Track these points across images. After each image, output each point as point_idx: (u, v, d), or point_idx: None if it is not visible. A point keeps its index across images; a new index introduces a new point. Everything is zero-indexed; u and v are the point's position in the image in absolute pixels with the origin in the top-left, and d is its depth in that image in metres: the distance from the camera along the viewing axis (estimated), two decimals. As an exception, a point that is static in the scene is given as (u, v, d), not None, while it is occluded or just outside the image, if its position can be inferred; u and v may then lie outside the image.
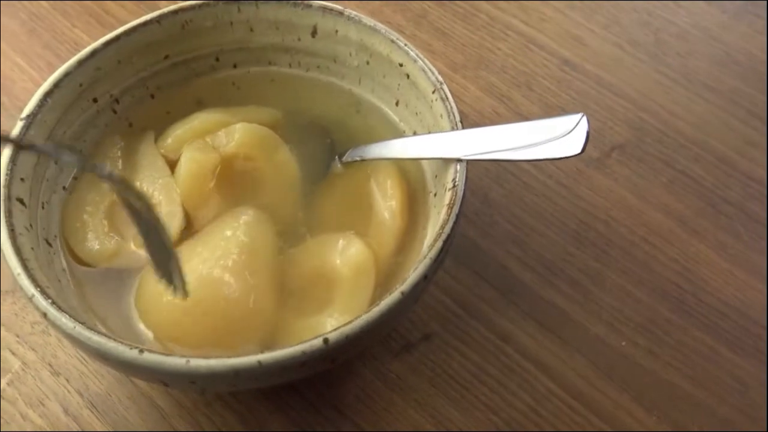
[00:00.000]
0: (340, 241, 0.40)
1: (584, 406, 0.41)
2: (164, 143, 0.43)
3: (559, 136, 0.32)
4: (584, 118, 0.32)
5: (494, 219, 0.48)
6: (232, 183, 0.43)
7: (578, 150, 0.31)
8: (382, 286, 0.39)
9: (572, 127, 0.32)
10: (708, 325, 0.44)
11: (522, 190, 0.50)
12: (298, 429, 0.40)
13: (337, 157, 0.44)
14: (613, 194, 0.50)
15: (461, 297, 0.45)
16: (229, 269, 0.38)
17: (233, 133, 0.43)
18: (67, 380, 0.42)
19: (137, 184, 0.42)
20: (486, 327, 0.44)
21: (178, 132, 0.43)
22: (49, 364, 0.42)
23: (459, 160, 0.36)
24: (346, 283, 0.38)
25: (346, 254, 0.39)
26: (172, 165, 0.42)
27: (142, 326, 0.38)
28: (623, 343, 0.43)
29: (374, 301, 0.38)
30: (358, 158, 0.42)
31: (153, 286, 0.38)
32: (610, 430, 0.41)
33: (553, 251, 0.47)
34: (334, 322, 0.37)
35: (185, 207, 0.41)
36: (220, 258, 0.38)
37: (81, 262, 0.40)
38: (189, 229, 0.41)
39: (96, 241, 0.40)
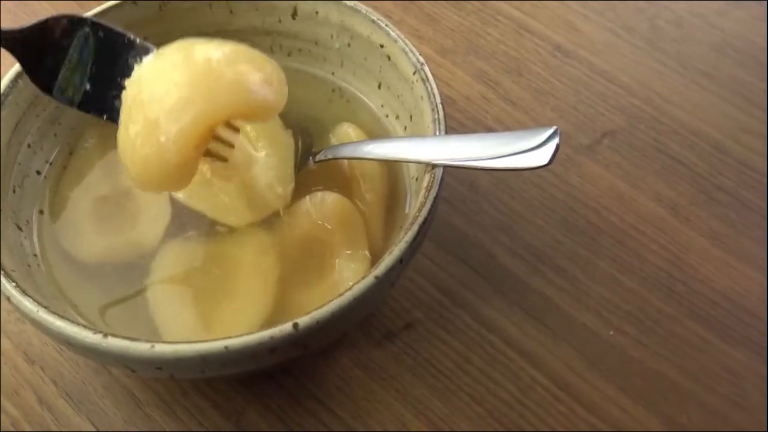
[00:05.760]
0: (315, 198, 0.40)
1: (570, 397, 0.40)
2: None
3: (532, 148, 0.33)
4: (557, 132, 0.32)
5: (481, 206, 0.47)
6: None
7: (545, 161, 0.32)
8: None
9: (545, 140, 0.32)
10: (699, 314, 0.43)
11: (510, 176, 0.48)
12: (277, 419, 0.39)
13: (310, 157, 0.43)
14: (603, 181, 0.49)
15: (445, 285, 0.44)
16: None
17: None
18: (42, 369, 0.41)
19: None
20: (470, 316, 0.43)
21: None
22: (24, 353, 0.42)
23: (434, 166, 0.36)
24: (338, 240, 0.38)
25: (326, 207, 0.39)
26: None
27: (117, 308, 0.38)
28: (611, 333, 0.42)
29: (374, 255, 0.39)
30: (331, 157, 0.41)
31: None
32: (596, 422, 0.39)
33: (541, 239, 0.46)
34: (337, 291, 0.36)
35: None
36: None
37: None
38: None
39: (87, 241, 0.40)
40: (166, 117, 0.33)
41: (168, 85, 0.33)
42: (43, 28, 0.34)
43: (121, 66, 0.35)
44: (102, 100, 0.35)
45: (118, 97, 0.35)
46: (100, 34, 0.35)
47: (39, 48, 0.34)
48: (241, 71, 0.34)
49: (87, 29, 0.35)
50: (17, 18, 0.57)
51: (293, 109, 0.44)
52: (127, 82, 0.35)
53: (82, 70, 0.35)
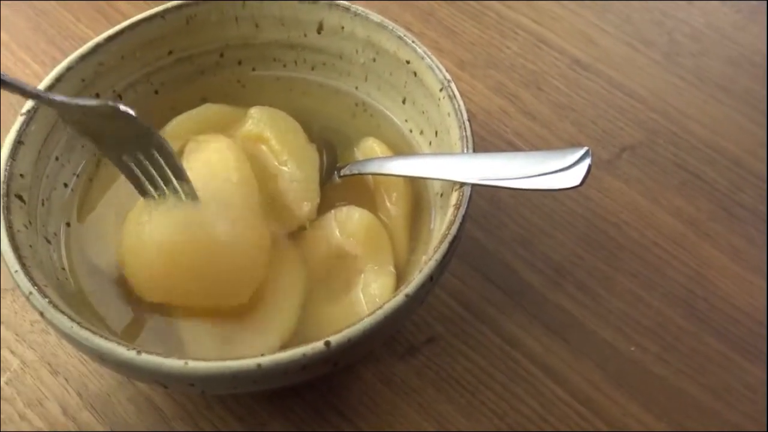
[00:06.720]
0: (340, 213, 0.40)
1: (592, 413, 0.40)
2: (167, 129, 0.43)
3: (563, 168, 0.32)
4: (588, 153, 0.32)
5: (502, 220, 0.47)
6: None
7: (577, 182, 0.32)
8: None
9: (576, 160, 0.32)
10: (720, 331, 0.43)
11: (531, 192, 0.48)
12: (300, 432, 0.40)
13: (335, 171, 0.43)
14: (623, 196, 0.49)
15: (467, 299, 0.44)
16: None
17: (249, 115, 0.43)
18: (67, 380, 0.41)
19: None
20: (492, 330, 0.43)
21: (182, 118, 0.43)
22: (48, 364, 0.42)
23: (462, 184, 0.36)
24: (364, 256, 0.39)
25: (351, 223, 0.40)
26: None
27: (143, 322, 0.38)
28: (632, 349, 0.43)
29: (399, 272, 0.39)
30: (356, 172, 0.41)
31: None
32: (618, 438, 0.40)
33: (561, 254, 0.46)
34: (362, 305, 0.38)
35: None
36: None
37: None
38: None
39: (113, 254, 0.40)
40: (160, 285, 0.37)
41: (174, 264, 0.36)
42: (102, 109, 0.35)
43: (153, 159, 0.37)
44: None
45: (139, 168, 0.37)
46: (148, 135, 0.37)
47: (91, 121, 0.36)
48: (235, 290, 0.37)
49: (135, 126, 0.36)
50: (36, 24, 0.58)
51: (317, 123, 0.45)
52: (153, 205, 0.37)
53: (121, 147, 0.37)
